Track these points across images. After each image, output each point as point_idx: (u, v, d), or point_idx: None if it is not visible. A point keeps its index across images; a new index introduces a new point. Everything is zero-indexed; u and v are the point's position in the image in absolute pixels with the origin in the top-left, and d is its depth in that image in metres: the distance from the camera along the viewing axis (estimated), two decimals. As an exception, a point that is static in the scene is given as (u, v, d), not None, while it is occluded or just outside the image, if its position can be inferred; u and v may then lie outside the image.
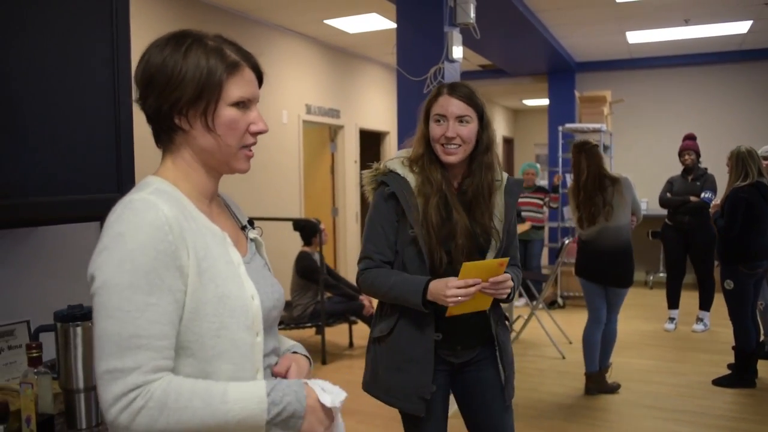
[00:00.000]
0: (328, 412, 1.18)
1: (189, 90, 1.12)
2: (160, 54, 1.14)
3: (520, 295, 6.94)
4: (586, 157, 4.28)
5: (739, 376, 4.61)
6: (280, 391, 1.11)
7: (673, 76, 8.72)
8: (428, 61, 3.94)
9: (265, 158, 6.40)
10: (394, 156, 2.10)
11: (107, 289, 1.03)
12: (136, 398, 1.01)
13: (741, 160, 4.51)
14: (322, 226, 5.35)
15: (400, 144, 4.10)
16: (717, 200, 5.15)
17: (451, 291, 1.82)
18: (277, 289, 1.30)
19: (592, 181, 4.24)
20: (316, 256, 5.36)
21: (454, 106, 1.96)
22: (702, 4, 6.10)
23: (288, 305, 5.52)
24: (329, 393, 1.18)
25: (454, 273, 1.86)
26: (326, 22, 6.52)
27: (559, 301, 7.28)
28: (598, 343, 4.41)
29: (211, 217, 1.21)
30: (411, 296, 1.90)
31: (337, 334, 5.95)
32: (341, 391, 1.20)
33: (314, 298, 5.27)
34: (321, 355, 5.26)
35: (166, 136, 1.18)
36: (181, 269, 1.08)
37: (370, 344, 2.11)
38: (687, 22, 6.77)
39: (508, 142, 13.93)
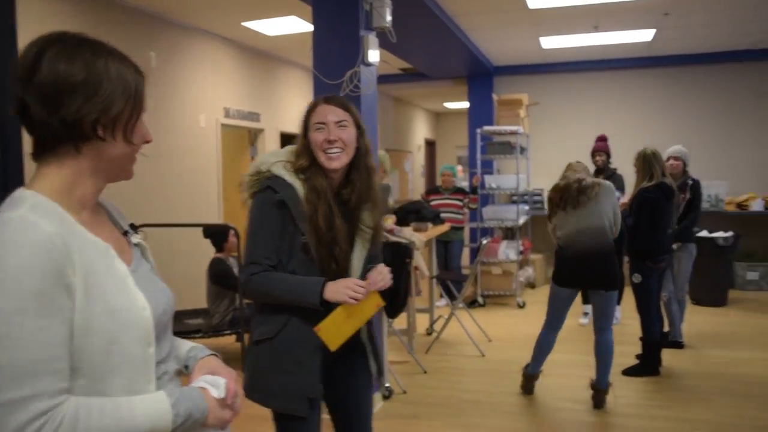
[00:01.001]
0: (222, 403, 1.24)
1: (120, 101, 1.12)
2: (79, 61, 1.09)
3: (441, 296, 7.07)
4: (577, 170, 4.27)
5: (646, 365, 4.86)
6: (182, 403, 1.15)
7: (585, 80, 9.09)
8: (344, 65, 3.95)
9: (182, 163, 6.26)
10: (269, 155, 2.14)
11: None
12: (44, 425, 0.98)
13: (647, 162, 4.75)
14: (231, 232, 5.25)
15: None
16: (624, 199, 5.42)
17: (352, 287, 1.96)
18: (166, 293, 1.29)
19: (575, 187, 4.12)
20: (231, 261, 5.28)
21: (331, 112, 2.07)
22: (609, 12, 6.39)
23: (205, 313, 5.41)
24: (215, 386, 1.25)
25: (342, 276, 2.03)
26: (244, 24, 6.43)
27: (480, 299, 7.44)
28: (550, 346, 4.37)
29: (92, 228, 1.16)
30: (309, 296, 1.96)
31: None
32: (220, 379, 1.27)
33: (231, 305, 5.18)
34: (241, 363, 5.16)
35: (64, 147, 1.11)
36: (68, 287, 1.04)
37: (249, 347, 2.11)
38: (596, 29, 7.07)
39: (430, 144, 14.14)
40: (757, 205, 7.95)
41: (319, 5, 4.04)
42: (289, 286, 1.99)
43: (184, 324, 5.36)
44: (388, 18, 4.08)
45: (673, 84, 8.79)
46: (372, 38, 4.01)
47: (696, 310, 6.95)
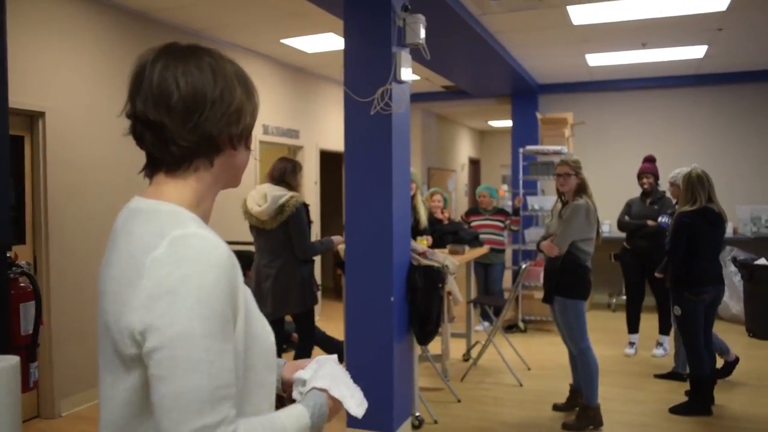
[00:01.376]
0: (329, 396, 1.20)
1: (249, 108, 1.12)
2: (209, 72, 1.07)
3: (482, 320, 6.84)
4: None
5: (695, 403, 4.53)
6: (313, 409, 1.14)
7: (633, 98, 8.77)
8: (376, 82, 3.83)
9: (219, 179, 6.23)
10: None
11: (185, 339, 0.93)
12: None
13: (691, 185, 4.47)
14: None
15: (350, 168, 3.99)
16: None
17: None
18: None
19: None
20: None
21: None
22: (658, 28, 6.12)
23: None
24: (321, 378, 1.21)
25: None
26: (283, 41, 6.41)
27: (520, 324, 7.17)
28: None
29: None
30: None
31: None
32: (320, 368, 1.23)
33: None
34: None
35: (199, 161, 1.08)
36: (235, 311, 1.01)
37: None
38: (644, 46, 6.80)
39: (474, 163, 13.93)
40: (819, 231, 7.47)
41: (351, 20, 3.94)
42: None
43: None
44: (422, 34, 3.95)
45: (725, 103, 8.39)
46: (405, 55, 3.89)
47: (753, 343, 6.53)
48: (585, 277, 4.23)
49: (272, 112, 7.10)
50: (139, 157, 1.13)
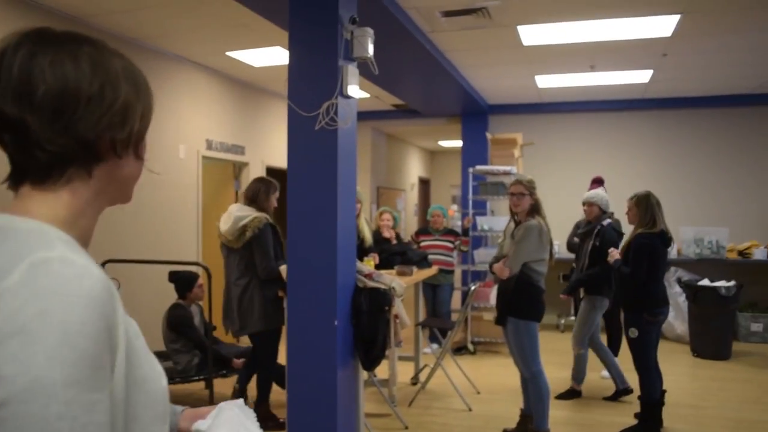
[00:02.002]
0: None
1: (137, 108, 0.92)
2: (87, 62, 0.86)
3: (431, 342, 6.70)
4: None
5: (645, 427, 4.48)
6: None
7: (581, 120, 8.86)
8: (322, 96, 3.67)
9: (159, 196, 5.95)
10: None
11: (40, 391, 0.70)
12: None
13: (650, 207, 4.45)
14: (199, 282, 5.00)
15: (293, 184, 3.81)
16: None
17: None
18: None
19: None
20: (194, 309, 5.03)
21: None
22: (606, 51, 6.17)
23: (164, 356, 5.08)
24: (217, 427, 1.07)
25: None
26: (229, 54, 6.21)
27: (470, 347, 7.06)
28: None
29: None
30: None
31: (229, 384, 5.49)
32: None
33: (190, 350, 4.86)
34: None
35: (73, 169, 0.86)
36: (112, 350, 0.79)
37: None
38: (592, 69, 6.86)
39: (425, 183, 13.89)
40: (760, 254, 7.63)
41: (296, 32, 3.78)
42: None
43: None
44: (370, 48, 3.82)
45: (671, 127, 8.57)
46: (352, 69, 3.74)
47: (699, 363, 6.58)
48: (538, 298, 4.15)
49: (216, 126, 6.87)
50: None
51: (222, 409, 1.08)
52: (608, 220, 5.29)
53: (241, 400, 1.13)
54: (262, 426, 3.93)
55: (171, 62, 6.14)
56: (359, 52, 3.78)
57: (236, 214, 4.40)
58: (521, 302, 4.09)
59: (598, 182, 6.31)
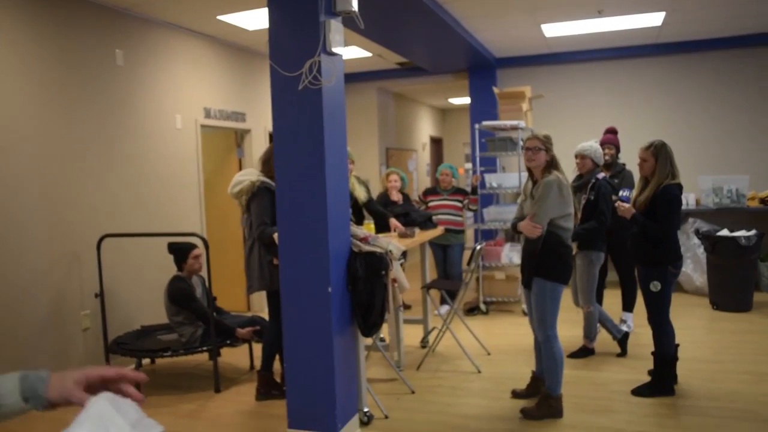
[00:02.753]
0: None
1: None
2: None
3: (443, 303, 6.59)
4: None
5: (659, 383, 4.34)
6: None
7: (592, 70, 8.54)
8: (304, 54, 3.50)
9: (158, 167, 5.86)
10: None
11: None
12: None
13: (669, 158, 4.22)
14: (194, 253, 4.91)
15: (279, 148, 3.67)
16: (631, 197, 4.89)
17: None
18: None
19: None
20: (195, 280, 4.96)
21: None
22: (613, -7, 5.87)
23: (169, 329, 5.06)
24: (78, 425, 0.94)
25: None
26: (220, 18, 6.01)
27: (482, 307, 6.95)
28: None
29: None
30: None
31: (238, 355, 5.46)
32: None
33: (193, 322, 4.81)
34: (214, 382, 4.74)
35: None
36: None
37: None
38: (600, 13, 6.55)
39: (437, 142, 13.65)
40: (782, 200, 7.35)
41: (275, -13, 3.60)
42: None
43: (156, 340, 4.98)
44: (354, 1, 3.62)
45: (686, 73, 8.20)
46: (335, 24, 3.55)
47: (718, 316, 6.39)
48: (567, 259, 3.98)
49: (214, 94, 6.71)
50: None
51: (91, 403, 0.96)
52: (602, 174, 5.09)
53: (109, 393, 1.00)
54: (264, 394, 3.86)
55: (162, 30, 5.97)
56: (342, 5, 3.60)
57: (237, 178, 4.44)
58: (551, 263, 3.90)
59: (611, 132, 6.06)
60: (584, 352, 5.23)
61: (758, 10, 6.65)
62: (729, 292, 6.57)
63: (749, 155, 7.93)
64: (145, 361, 5.31)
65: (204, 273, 4.86)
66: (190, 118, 6.31)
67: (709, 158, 8.02)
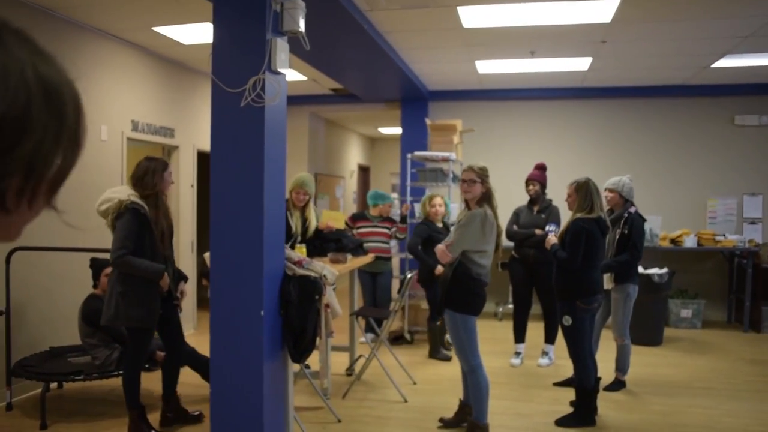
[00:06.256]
0: None
1: (55, 153, 0.62)
2: None
3: (367, 332, 6.54)
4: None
5: (581, 414, 4.45)
6: None
7: (522, 108, 8.84)
8: (248, 71, 3.44)
9: (81, 178, 5.55)
10: None
11: None
12: None
13: (589, 193, 4.40)
14: (107, 270, 4.60)
15: (217, 166, 3.57)
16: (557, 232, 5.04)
17: None
18: None
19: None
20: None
21: None
22: (545, 36, 6.11)
23: (82, 350, 4.77)
24: None
25: None
26: (155, 29, 5.84)
27: (407, 336, 6.94)
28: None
29: None
30: None
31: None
32: None
33: (107, 344, 4.56)
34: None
35: None
36: None
37: None
38: (533, 55, 6.80)
39: (365, 170, 13.70)
40: (690, 242, 7.78)
41: (221, 1, 3.53)
42: None
43: (66, 363, 4.67)
44: (302, 22, 3.60)
45: (609, 116, 8.63)
46: (281, 43, 3.52)
47: (633, 350, 6.62)
48: (476, 292, 3.95)
49: (143, 107, 6.48)
50: None
51: None
52: (634, 208, 5.16)
53: None
54: (172, 423, 3.59)
55: (92, 36, 5.73)
56: (289, 25, 3.57)
57: (106, 194, 3.97)
58: (458, 294, 3.92)
59: (539, 168, 6.26)
60: (617, 384, 5.22)
61: (672, 64, 7.10)
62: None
63: (661, 197, 8.38)
64: (53, 385, 4.97)
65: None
66: (116, 130, 6.06)
67: (626, 199, 8.41)
